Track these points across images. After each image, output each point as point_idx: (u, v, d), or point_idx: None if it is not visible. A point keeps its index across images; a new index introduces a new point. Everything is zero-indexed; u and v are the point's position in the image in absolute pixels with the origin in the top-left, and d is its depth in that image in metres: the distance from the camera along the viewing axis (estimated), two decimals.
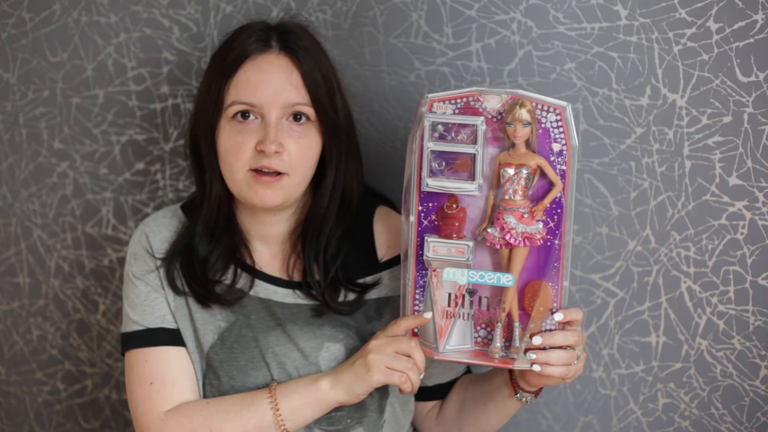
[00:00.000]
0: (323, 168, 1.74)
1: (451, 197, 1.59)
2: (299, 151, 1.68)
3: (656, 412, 1.89)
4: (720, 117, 1.78)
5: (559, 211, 1.57)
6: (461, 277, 1.58)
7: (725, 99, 1.78)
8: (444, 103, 1.58)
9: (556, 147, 1.56)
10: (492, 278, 1.57)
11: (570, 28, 1.84)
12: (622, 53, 1.82)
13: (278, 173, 1.67)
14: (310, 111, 1.70)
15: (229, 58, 1.71)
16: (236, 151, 1.68)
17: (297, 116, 1.69)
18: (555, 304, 1.58)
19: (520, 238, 1.56)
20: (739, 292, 1.81)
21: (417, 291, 1.63)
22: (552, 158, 1.56)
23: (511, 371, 1.69)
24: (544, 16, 1.85)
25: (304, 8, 1.96)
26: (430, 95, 1.59)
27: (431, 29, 1.91)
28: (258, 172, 1.67)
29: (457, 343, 1.62)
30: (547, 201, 1.56)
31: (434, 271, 1.60)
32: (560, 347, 1.58)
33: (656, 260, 1.85)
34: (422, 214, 1.61)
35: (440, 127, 1.58)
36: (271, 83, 1.69)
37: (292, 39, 1.72)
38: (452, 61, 1.91)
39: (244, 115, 1.68)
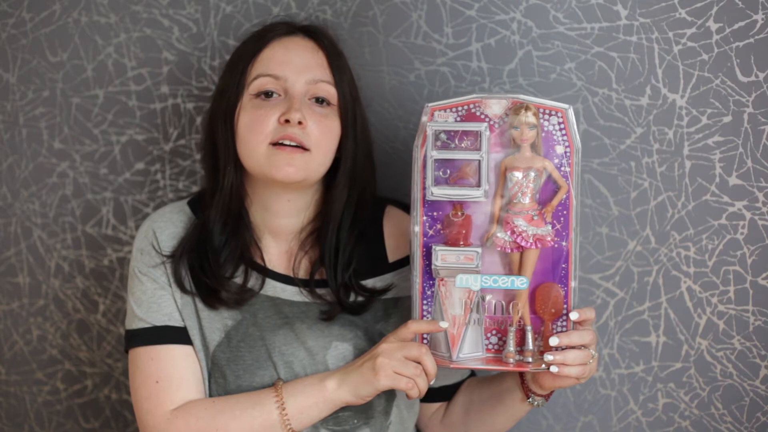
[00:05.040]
0: (338, 161, 1.73)
1: (457, 205, 1.58)
2: (321, 131, 1.68)
3: (656, 412, 1.89)
4: (720, 117, 1.79)
5: (565, 212, 1.57)
6: (474, 282, 1.57)
7: (725, 99, 1.78)
8: (445, 111, 1.58)
9: (559, 149, 1.56)
10: (506, 282, 1.56)
11: (570, 28, 1.84)
12: (622, 53, 1.82)
13: (301, 148, 1.66)
14: (332, 93, 1.71)
15: (253, 41, 1.74)
16: (258, 124, 1.67)
17: (319, 99, 1.70)
18: (566, 305, 1.58)
19: (531, 240, 1.56)
20: (739, 292, 1.82)
21: (424, 302, 1.62)
22: (556, 161, 1.56)
23: (522, 374, 1.68)
24: (544, 16, 1.85)
25: (304, 8, 1.96)
26: (430, 104, 1.58)
27: (431, 29, 1.91)
28: (280, 145, 1.66)
29: (469, 351, 1.61)
30: (555, 202, 1.56)
31: (442, 280, 1.60)
32: (575, 347, 1.57)
33: (656, 260, 1.85)
34: (427, 224, 1.60)
35: (443, 135, 1.57)
36: (297, 58, 1.71)
37: (316, 30, 1.76)
38: (452, 61, 1.91)
39: (268, 94, 1.69)
